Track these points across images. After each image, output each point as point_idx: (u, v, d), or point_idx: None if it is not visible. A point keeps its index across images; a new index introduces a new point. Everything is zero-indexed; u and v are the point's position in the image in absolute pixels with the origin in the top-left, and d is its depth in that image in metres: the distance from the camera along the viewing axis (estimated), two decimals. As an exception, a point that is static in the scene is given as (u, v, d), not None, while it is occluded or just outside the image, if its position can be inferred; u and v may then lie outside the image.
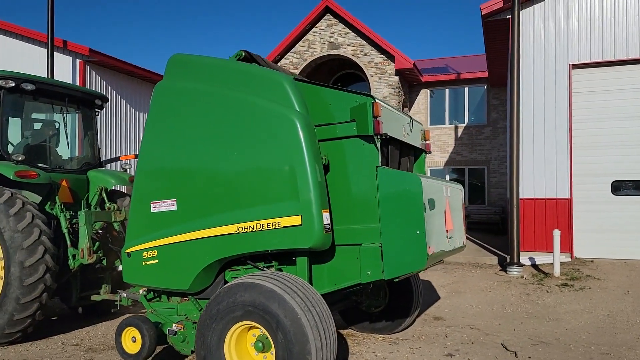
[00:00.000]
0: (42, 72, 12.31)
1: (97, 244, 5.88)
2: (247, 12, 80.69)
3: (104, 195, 6.30)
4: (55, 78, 12.30)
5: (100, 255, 5.87)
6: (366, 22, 19.65)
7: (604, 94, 10.61)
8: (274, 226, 3.83)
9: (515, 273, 9.59)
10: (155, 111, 4.45)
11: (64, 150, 6.63)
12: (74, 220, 5.94)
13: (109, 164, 7.35)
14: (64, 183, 6.19)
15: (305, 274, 4.03)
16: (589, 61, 10.62)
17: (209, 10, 78.83)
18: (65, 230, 5.74)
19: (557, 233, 9.35)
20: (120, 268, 6.04)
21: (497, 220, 17.32)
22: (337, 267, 4.08)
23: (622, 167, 10.51)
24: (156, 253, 4.31)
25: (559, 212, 10.68)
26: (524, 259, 10.35)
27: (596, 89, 10.63)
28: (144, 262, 4.36)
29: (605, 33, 10.52)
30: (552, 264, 9.66)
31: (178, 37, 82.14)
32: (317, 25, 18.71)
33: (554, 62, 10.74)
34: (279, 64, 19.39)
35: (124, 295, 5.16)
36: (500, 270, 10.19)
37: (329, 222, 3.82)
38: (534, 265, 10.33)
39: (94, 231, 5.89)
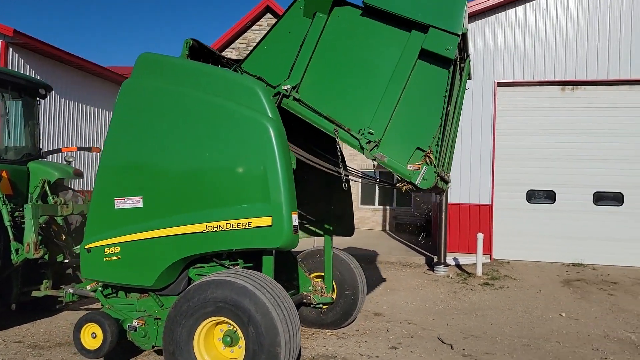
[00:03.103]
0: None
1: (39, 238, 5.70)
2: (187, 4, 78.41)
3: (47, 188, 6.10)
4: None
5: (45, 249, 5.70)
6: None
7: (524, 111, 11.68)
8: (244, 226, 4.00)
9: (442, 272, 10.33)
10: (123, 108, 4.46)
11: (3, 140, 6.33)
12: (15, 213, 5.72)
13: (49, 156, 7.06)
14: (3, 174, 5.93)
15: (271, 271, 4.24)
16: (511, 80, 11.63)
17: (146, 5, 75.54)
18: (7, 224, 5.52)
19: (480, 236, 10.18)
20: (66, 262, 5.97)
21: (422, 223, 18.31)
22: None
23: (535, 178, 11.63)
24: (119, 249, 4.33)
25: (481, 217, 11.61)
26: (449, 259, 11.14)
27: (517, 106, 11.67)
28: (105, 258, 4.36)
29: (526, 55, 11.57)
30: (475, 264, 10.52)
31: (118, 28, 77.96)
32: (257, 23, 18.78)
33: (482, 79, 11.63)
34: (216, 60, 19.22)
35: (70, 291, 5.10)
36: (428, 269, 10.89)
37: (297, 223, 4.06)
38: (458, 266, 11.16)
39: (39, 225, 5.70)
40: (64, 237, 6.32)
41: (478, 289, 8.89)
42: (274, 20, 18.85)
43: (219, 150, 4.13)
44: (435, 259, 11.02)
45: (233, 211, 4.04)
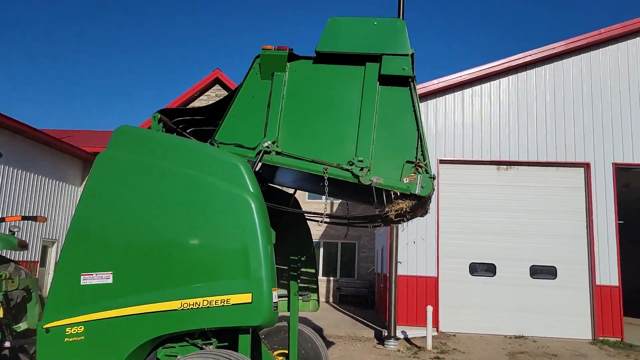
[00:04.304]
0: None
1: (-23, 316, 5.23)
2: (132, 73, 78.06)
3: (-12, 260, 5.67)
4: None
5: (-16, 329, 5.21)
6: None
7: (465, 187, 12.40)
8: (222, 303, 3.89)
9: (392, 347, 10.31)
10: (96, 179, 4.34)
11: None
12: (-47, 288, 5.24)
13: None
14: (-58, 245, 5.48)
15: (248, 350, 4.11)
16: (452, 158, 12.42)
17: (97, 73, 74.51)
18: (-56, 300, 5.03)
19: (430, 309, 10.36)
20: (7, 344, 5.47)
21: (365, 294, 18.36)
22: None
23: (477, 251, 12.18)
24: (83, 329, 4.05)
25: (427, 289, 11.87)
26: (398, 332, 11.17)
27: (459, 183, 12.40)
28: (66, 339, 4.05)
29: (465, 136, 12.48)
30: (423, 337, 10.65)
31: (71, 98, 75.67)
32: (205, 93, 19.07)
33: (426, 156, 12.31)
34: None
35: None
36: (377, 343, 10.84)
37: (277, 300, 4.02)
38: (407, 339, 11.19)
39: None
40: (2, 314, 5.82)
41: (430, 363, 8.94)
42: (223, 91, 19.23)
43: (198, 225, 4.07)
44: (385, 333, 11.01)
45: (211, 287, 3.94)
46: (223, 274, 3.96)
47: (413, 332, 11.39)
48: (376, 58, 4.47)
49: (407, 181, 4.31)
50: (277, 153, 4.53)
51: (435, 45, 67.22)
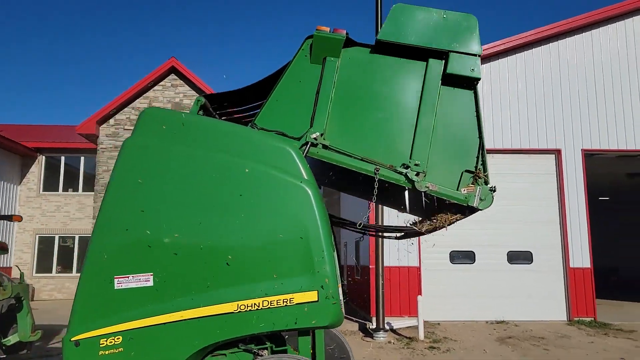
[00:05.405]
0: None
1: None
2: (88, 61, 73.03)
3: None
4: None
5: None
6: (214, 87, 19.66)
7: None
8: (285, 303, 3.51)
9: (381, 339, 10.15)
10: (125, 171, 3.78)
11: None
12: None
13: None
14: None
15: (309, 354, 3.75)
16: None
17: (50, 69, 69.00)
18: None
19: (420, 299, 10.30)
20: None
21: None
22: None
23: (457, 240, 12.21)
24: (121, 339, 3.53)
25: (410, 279, 11.83)
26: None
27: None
28: (100, 352, 3.51)
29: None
30: (408, 327, 10.61)
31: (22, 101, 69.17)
32: (160, 83, 18.05)
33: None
34: (114, 119, 18.01)
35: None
36: (365, 336, 10.64)
37: (342, 297, 3.68)
38: (392, 330, 11.08)
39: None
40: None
41: (427, 353, 8.85)
42: (179, 80, 18.30)
43: (252, 218, 3.64)
44: (370, 325, 10.85)
45: (271, 286, 3.54)
46: (283, 270, 3.57)
47: (398, 323, 11.29)
48: (442, 55, 4.08)
49: (465, 192, 4.01)
50: (324, 147, 4.09)
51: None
